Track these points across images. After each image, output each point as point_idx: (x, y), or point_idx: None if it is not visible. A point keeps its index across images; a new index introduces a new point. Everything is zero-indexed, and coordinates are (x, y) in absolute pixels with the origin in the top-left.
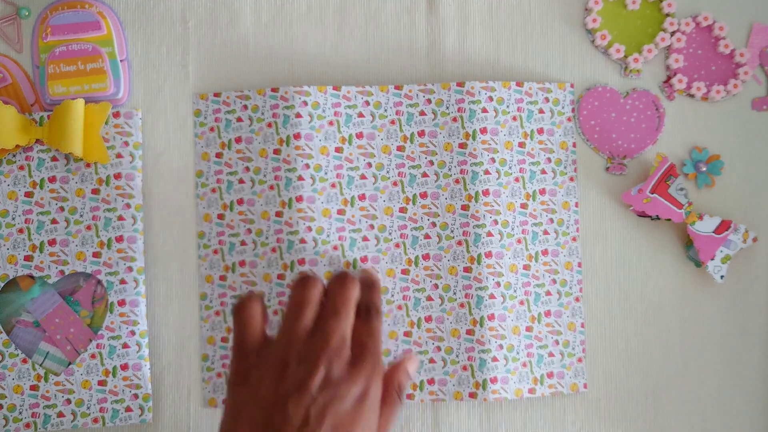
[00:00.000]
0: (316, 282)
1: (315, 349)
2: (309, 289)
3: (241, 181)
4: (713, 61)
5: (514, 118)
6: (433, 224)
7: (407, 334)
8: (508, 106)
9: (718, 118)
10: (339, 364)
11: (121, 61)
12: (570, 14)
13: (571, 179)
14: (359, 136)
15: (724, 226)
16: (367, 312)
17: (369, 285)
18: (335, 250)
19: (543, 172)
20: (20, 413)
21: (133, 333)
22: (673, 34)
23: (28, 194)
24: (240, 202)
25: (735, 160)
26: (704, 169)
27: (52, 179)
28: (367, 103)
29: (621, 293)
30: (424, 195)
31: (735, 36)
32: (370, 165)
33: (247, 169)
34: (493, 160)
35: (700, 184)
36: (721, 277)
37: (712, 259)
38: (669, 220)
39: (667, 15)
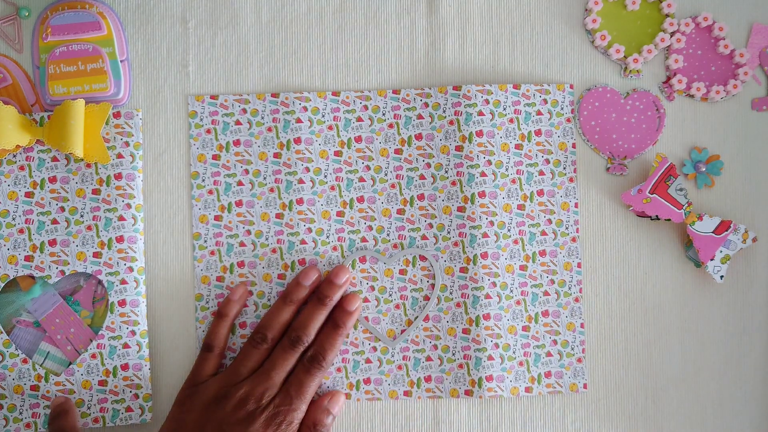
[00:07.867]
0: (265, 340)
1: (245, 396)
2: (255, 348)
3: (240, 183)
4: (713, 61)
5: (511, 121)
6: (430, 225)
7: (404, 332)
8: (504, 109)
9: (717, 119)
10: (259, 413)
11: (121, 61)
12: (570, 14)
13: (571, 180)
14: (358, 139)
15: (723, 227)
16: (311, 361)
17: (335, 327)
18: (335, 251)
19: (541, 173)
20: (20, 413)
21: (133, 333)
22: (672, 34)
23: (29, 194)
24: (239, 203)
25: (735, 160)
26: (704, 169)
27: (53, 179)
28: (366, 107)
29: (621, 293)
30: (421, 197)
31: (735, 36)
32: (368, 168)
33: (247, 171)
34: (489, 162)
35: (700, 184)
36: (721, 277)
37: (712, 259)
38: (669, 220)
39: (667, 15)
